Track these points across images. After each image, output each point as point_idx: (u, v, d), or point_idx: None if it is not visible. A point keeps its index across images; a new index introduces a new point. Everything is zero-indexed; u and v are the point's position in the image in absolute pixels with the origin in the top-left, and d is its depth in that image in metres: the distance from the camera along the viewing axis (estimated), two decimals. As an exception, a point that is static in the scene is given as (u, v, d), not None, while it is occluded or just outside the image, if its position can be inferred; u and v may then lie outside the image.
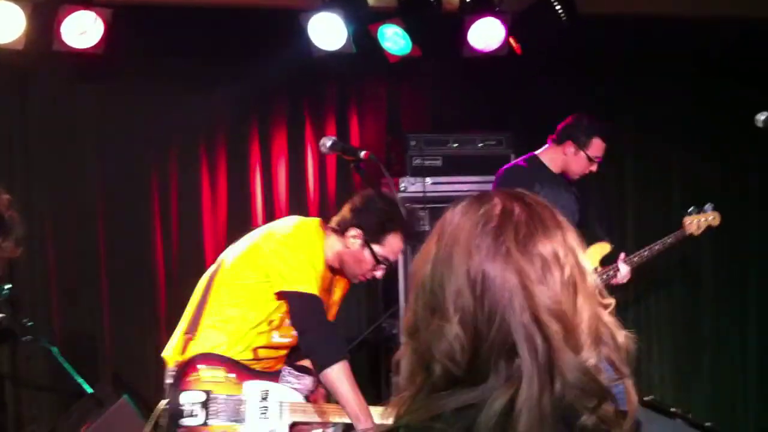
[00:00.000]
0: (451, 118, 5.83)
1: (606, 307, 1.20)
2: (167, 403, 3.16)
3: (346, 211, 3.30)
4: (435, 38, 5.53)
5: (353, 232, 3.21)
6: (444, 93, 5.87)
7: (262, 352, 3.24)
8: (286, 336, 3.27)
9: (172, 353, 3.27)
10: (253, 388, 3.17)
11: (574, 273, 1.16)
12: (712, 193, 5.07)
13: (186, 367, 3.14)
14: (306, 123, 5.86)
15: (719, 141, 6.08)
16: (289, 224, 3.35)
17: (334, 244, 3.26)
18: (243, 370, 3.17)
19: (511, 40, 5.50)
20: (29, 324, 4.71)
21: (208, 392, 3.11)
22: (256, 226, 5.58)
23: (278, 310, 3.21)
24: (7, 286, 1.23)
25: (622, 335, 1.19)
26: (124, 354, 5.52)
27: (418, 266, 1.22)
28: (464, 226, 1.18)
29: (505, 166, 4.56)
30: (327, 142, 3.34)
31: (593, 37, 5.68)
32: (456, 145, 5.52)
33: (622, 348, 1.18)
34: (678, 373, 6.10)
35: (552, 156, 4.50)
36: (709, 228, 4.67)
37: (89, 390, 4.82)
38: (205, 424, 3.08)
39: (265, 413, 3.18)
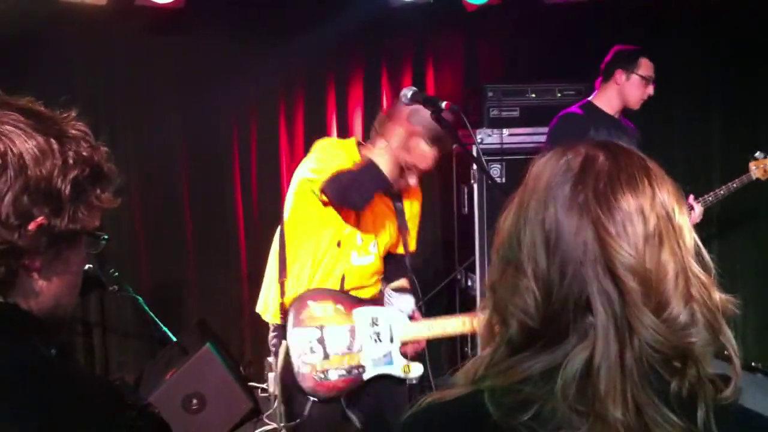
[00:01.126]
0: (530, 68, 5.72)
1: (706, 266, 1.14)
2: (286, 345, 3.18)
3: (375, 123, 3.27)
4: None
5: (381, 143, 3.20)
6: (523, 42, 5.77)
7: (349, 279, 3.26)
8: (365, 254, 3.29)
9: (267, 304, 3.33)
10: (362, 315, 3.22)
11: (661, 226, 1.11)
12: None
13: (297, 306, 3.17)
14: (382, 74, 5.83)
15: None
16: (314, 147, 3.30)
17: (378, 147, 3.21)
18: (349, 300, 3.22)
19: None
20: (115, 274, 4.84)
21: (321, 327, 3.16)
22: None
23: (338, 228, 3.21)
24: (105, 237, 1.28)
25: (718, 296, 1.13)
26: (208, 303, 5.66)
27: (502, 219, 1.19)
28: (544, 176, 1.15)
29: (559, 114, 4.47)
30: (408, 92, 3.31)
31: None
32: (534, 95, 5.41)
33: (717, 307, 1.12)
34: (763, 325, 5.95)
35: (606, 96, 4.41)
36: None
37: (173, 338, 4.96)
38: (326, 357, 3.13)
39: (377, 337, 3.24)
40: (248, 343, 5.73)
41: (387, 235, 3.37)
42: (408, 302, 3.35)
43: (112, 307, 5.45)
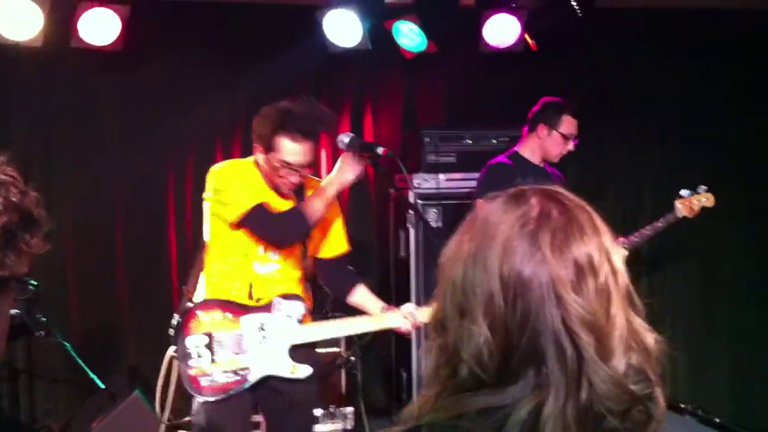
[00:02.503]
0: (467, 114, 5.82)
1: (637, 309, 1.18)
2: (175, 351, 3.44)
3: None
4: (450, 34, 5.52)
5: (257, 150, 3.39)
6: (460, 89, 5.87)
7: (256, 287, 3.45)
8: (267, 262, 3.46)
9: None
10: (249, 321, 3.42)
11: (609, 280, 1.14)
12: (720, 181, 5.02)
13: (186, 316, 3.42)
14: (321, 119, 5.85)
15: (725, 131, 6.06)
16: (213, 176, 3.51)
17: (261, 163, 3.43)
18: (238, 308, 3.42)
19: (527, 36, 5.49)
20: (43, 319, 4.73)
21: (209, 333, 3.39)
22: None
23: (246, 240, 3.41)
24: (33, 282, 1.25)
25: (651, 339, 1.17)
26: (140, 348, 5.54)
27: (449, 262, 1.20)
28: (500, 227, 1.16)
29: (488, 163, 4.57)
30: (344, 138, 3.36)
31: (609, 30, 5.66)
32: (470, 141, 5.50)
33: (652, 353, 1.16)
34: (691, 364, 6.06)
35: (530, 146, 4.53)
36: (703, 210, 4.67)
37: (101, 385, 4.84)
38: (213, 361, 3.36)
39: (264, 342, 3.43)
40: (179, 389, 5.59)
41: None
42: (296, 307, 3.48)
43: (40, 353, 5.30)
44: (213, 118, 5.58)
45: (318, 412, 5.04)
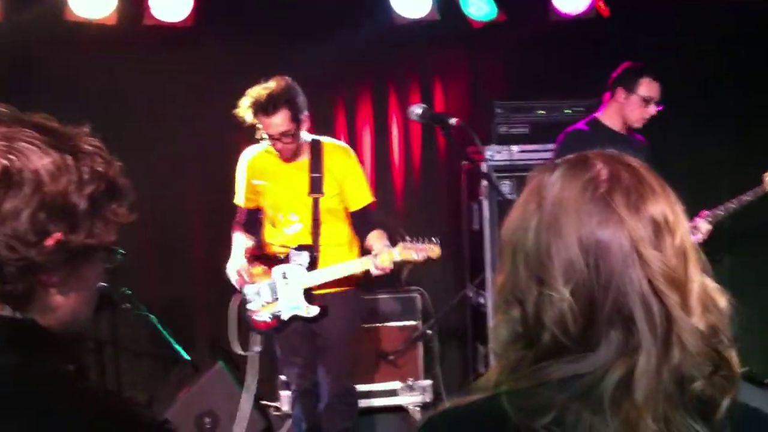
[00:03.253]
0: (537, 84, 5.72)
1: (707, 269, 1.18)
2: (242, 294, 4.33)
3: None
4: (520, 3, 5.44)
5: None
6: (530, 59, 5.76)
7: (279, 243, 4.30)
8: (291, 224, 4.25)
9: None
10: (276, 272, 4.26)
11: (685, 239, 1.14)
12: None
13: (247, 269, 4.34)
14: (390, 92, 5.86)
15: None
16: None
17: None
18: (268, 262, 4.30)
19: (599, 3, 5.37)
20: (128, 292, 4.85)
21: (259, 284, 4.30)
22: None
23: (268, 212, 4.33)
24: (121, 251, 1.29)
25: (723, 301, 1.17)
26: (219, 321, 5.64)
27: (517, 233, 1.20)
28: (570, 194, 1.16)
29: (566, 130, 4.48)
30: (417, 109, 3.36)
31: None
32: (543, 112, 5.44)
33: (725, 315, 1.16)
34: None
35: (610, 112, 4.42)
36: None
37: (186, 356, 4.96)
38: (262, 305, 4.28)
39: (287, 288, 4.24)
40: (261, 361, 5.71)
41: (301, 204, 4.22)
42: (303, 257, 4.21)
43: (125, 326, 5.45)
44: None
45: (396, 384, 5.25)
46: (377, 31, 5.35)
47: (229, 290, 5.64)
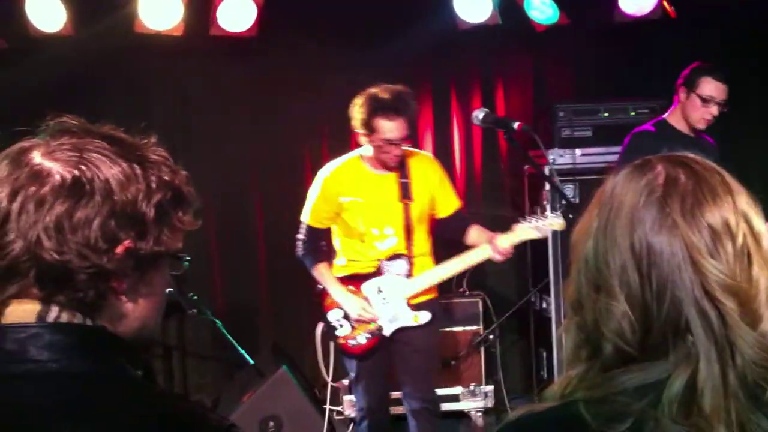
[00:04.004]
0: (601, 86, 5.65)
1: None
2: (323, 327, 4.17)
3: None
4: (583, 4, 5.38)
5: (359, 136, 3.96)
6: (593, 61, 5.69)
7: (370, 259, 4.08)
8: (385, 238, 4.04)
9: None
10: (369, 288, 4.07)
11: (748, 241, 1.11)
12: None
13: (321, 297, 4.16)
14: (452, 96, 5.85)
15: None
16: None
17: (367, 153, 4.00)
18: (356, 280, 4.09)
19: (665, 3, 5.27)
20: (194, 297, 4.93)
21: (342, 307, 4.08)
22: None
23: (354, 228, 4.04)
24: (187, 258, 1.32)
25: None
26: (282, 325, 5.71)
27: (579, 239, 1.19)
28: (626, 198, 1.14)
29: (633, 131, 4.41)
30: (479, 114, 3.36)
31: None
32: (606, 114, 5.35)
33: None
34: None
35: (676, 114, 4.36)
36: None
37: (251, 361, 5.02)
38: (353, 328, 4.07)
39: (385, 300, 4.06)
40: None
41: (394, 213, 4.01)
42: (401, 265, 4.04)
43: (191, 331, 5.55)
44: (344, 99, 5.64)
45: (459, 390, 5.25)
46: (440, 35, 5.35)
47: (293, 295, 5.76)
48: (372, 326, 4.05)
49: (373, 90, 3.89)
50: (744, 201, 1.14)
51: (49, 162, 1.23)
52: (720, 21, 5.43)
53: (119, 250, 1.24)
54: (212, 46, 5.36)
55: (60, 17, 4.89)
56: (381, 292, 4.05)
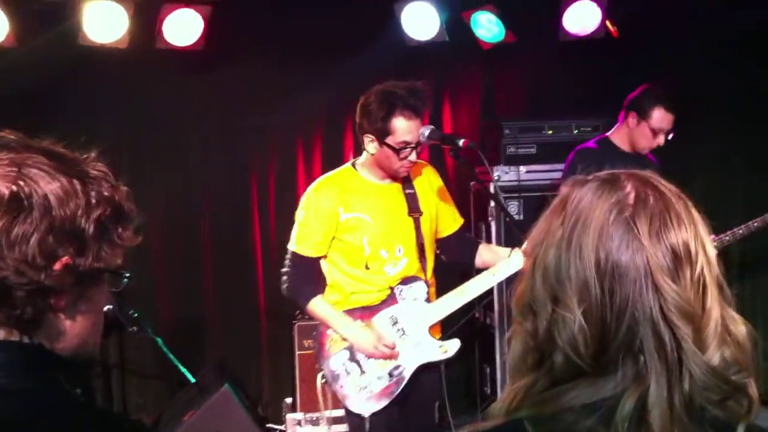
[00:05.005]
0: (547, 104, 5.74)
1: (728, 300, 1.16)
2: (323, 377, 3.45)
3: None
4: (529, 23, 5.46)
5: (366, 139, 3.38)
6: (539, 79, 5.79)
7: (380, 288, 3.44)
8: (397, 261, 3.43)
9: None
10: (382, 319, 3.41)
11: (705, 271, 1.12)
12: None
13: (319, 339, 3.46)
14: (399, 113, 5.86)
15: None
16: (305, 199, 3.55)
17: (366, 161, 3.46)
18: (365, 312, 3.42)
19: (608, 23, 5.38)
20: (135, 315, 4.84)
21: (348, 348, 3.39)
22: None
23: (357, 255, 3.40)
24: (127, 274, 1.31)
25: (743, 331, 1.15)
26: (227, 342, 5.65)
27: (539, 247, 1.18)
28: (595, 213, 1.14)
29: (576, 148, 4.49)
30: (425, 131, 3.35)
31: (693, 15, 5.49)
32: (550, 132, 5.43)
33: (745, 346, 1.14)
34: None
35: (620, 133, 4.42)
36: None
37: (192, 379, 4.94)
38: (363, 372, 3.37)
39: (403, 333, 3.42)
40: (267, 383, 5.70)
41: (405, 230, 3.47)
42: (419, 288, 3.45)
43: (131, 348, 5.45)
44: (294, 114, 5.64)
45: None
46: (388, 53, 5.37)
47: (238, 312, 5.69)
48: (388, 366, 3.37)
49: (386, 86, 3.37)
50: (702, 229, 1.16)
51: None
52: (662, 41, 5.56)
53: (58, 266, 1.23)
54: (158, 59, 5.30)
55: (3, 29, 4.79)
56: (397, 323, 3.41)
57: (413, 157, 3.36)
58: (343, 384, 3.36)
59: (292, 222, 5.56)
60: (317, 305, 3.40)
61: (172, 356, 4.87)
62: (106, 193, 1.30)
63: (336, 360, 3.38)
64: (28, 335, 1.24)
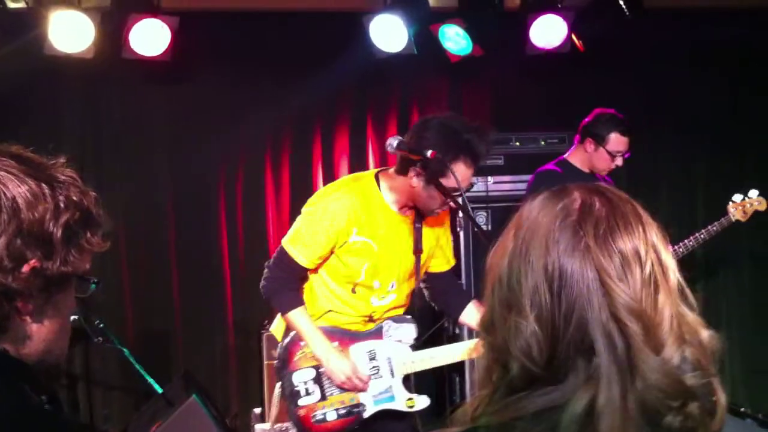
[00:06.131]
0: (514, 116, 5.79)
1: (690, 305, 1.17)
2: (281, 387, 3.24)
3: (403, 149, 3.10)
4: (496, 37, 5.50)
5: (413, 172, 3.09)
6: (506, 92, 5.85)
7: (375, 314, 3.27)
8: (385, 295, 3.26)
9: (276, 333, 3.36)
10: (359, 350, 3.22)
11: (656, 270, 1.14)
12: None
13: (290, 348, 3.22)
14: (368, 124, 5.90)
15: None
16: (328, 186, 3.34)
17: (399, 186, 3.17)
18: (345, 336, 3.23)
19: (574, 37, 5.45)
20: (101, 325, 4.80)
21: (316, 367, 3.20)
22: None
23: (350, 276, 3.20)
24: (95, 280, 1.30)
25: (705, 334, 1.16)
26: (194, 354, 5.61)
27: (495, 260, 1.20)
28: (542, 221, 1.17)
29: (537, 171, 4.57)
30: (393, 141, 3.33)
31: (657, 31, 5.59)
32: (518, 143, 5.47)
33: (707, 347, 1.15)
34: (748, 367, 5.94)
35: (578, 156, 4.54)
36: (755, 213, 4.69)
37: (159, 390, 4.90)
38: (323, 398, 3.19)
39: (377, 372, 3.24)
40: (234, 394, 5.67)
41: (405, 267, 3.28)
42: (408, 332, 3.30)
43: (97, 359, 5.40)
44: (262, 126, 5.64)
45: None
46: (357, 65, 5.40)
47: (206, 323, 5.66)
48: (350, 400, 3.21)
49: (452, 122, 3.06)
50: (654, 232, 1.17)
51: None
52: (626, 55, 5.65)
53: (25, 269, 1.22)
54: (125, 69, 5.28)
55: (-33, 38, 4.75)
56: (374, 359, 3.24)
57: (452, 204, 3.14)
58: (299, 404, 3.19)
59: (259, 233, 5.62)
60: (298, 317, 3.16)
61: (139, 366, 4.82)
62: (74, 198, 1.29)
63: (300, 376, 3.20)
64: None
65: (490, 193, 5.27)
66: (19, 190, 1.23)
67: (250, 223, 5.70)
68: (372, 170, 3.34)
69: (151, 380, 4.85)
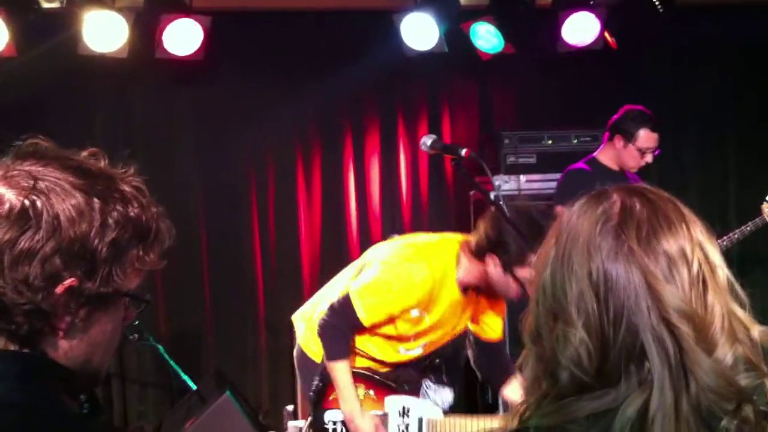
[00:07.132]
0: (545, 115, 5.76)
1: (741, 302, 1.15)
2: (311, 422, 3.21)
3: (481, 235, 3.11)
4: (528, 35, 5.47)
5: (491, 259, 3.06)
6: (537, 90, 5.81)
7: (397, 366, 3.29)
8: (412, 349, 3.27)
9: (311, 345, 3.34)
10: (393, 404, 3.16)
11: (704, 269, 1.11)
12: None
13: (329, 386, 3.17)
14: (398, 123, 5.89)
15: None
16: (417, 244, 3.28)
17: (475, 267, 3.14)
18: (382, 386, 3.21)
19: (606, 34, 5.40)
20: (136, 323, 4.83)
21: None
22: (350, 227, 5.69)
23: (400, 335, 3.19)
24: (147, 298, 1.23)
25: (756, 331, 1.13)
26: (226, 352, 5.65)
27: (538, 270, 1.19)
28: (583, 226, 1.15)
29: (566, 170, 4.53)
30: (427, 140, 3.32)
31: (691, 28, 5.52)
32: (550, 141, 5.45)
33: (757, 344, 1.12)
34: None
35: (608, 154, 4.49)
36: None
37: (193, 386, 4.94)
38: None
39: (406, 429, 3.16)
40: (266, 392, 5.70)
41: (446, 338, 3.30)
42: (446, 396, 3.28)
43: (131, 357, 5.45)
44: (293, 124, 5.66)
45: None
46: (388, 63, 5.40)
47: (237, 321, 5.69)
48: None
49: (531, 215, 3.04)
50: (699, 230, 1.15)
51: (2, 187, 1.17)
52: (659, 52, 5.60)
53: (59, 290, 1.16)
54: (158, 69, 5.31)
55: (2, 38, 4.79)
56: (406, 416, 3.14)
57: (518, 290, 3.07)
58: None
59: (290, 232, 5.63)
60: (340, 370, 3.08)
61: (173, 363, 4.87)
62: (131, 214, 1.23)
63: (332, 415, 3.14)
64: (29, 346, 1.18)
65: (523, 191, 5.25)
66: (64, 205, 1.16)
67: (281, 222, 5.72)
68: (457, 239, 3.29)
69: (185, 377, 4.89)
